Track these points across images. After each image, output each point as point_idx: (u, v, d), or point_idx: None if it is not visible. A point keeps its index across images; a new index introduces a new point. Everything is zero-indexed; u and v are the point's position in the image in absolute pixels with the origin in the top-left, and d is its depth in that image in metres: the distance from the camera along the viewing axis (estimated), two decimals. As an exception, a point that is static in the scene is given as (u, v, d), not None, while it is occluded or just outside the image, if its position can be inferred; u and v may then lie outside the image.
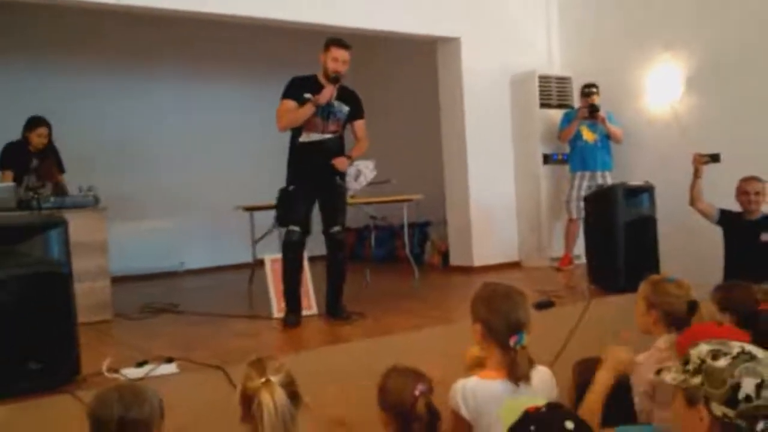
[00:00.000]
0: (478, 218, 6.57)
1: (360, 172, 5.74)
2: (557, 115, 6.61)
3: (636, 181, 5.27)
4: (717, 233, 4.99)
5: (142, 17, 6.27)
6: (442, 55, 6.74)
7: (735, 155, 5.32)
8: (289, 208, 4.35)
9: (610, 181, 6.15)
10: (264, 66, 7.90)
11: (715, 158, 5.09)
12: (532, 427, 1.57)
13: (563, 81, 6.79)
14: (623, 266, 4.85)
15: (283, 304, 4.53)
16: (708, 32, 5.85)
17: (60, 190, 5.45)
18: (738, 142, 5.49)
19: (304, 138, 4.36)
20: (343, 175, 4.55)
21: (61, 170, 5.69)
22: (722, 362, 1.49)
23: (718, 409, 1.45)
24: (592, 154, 6.29)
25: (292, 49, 7.23)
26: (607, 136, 6.32)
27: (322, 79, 4.36)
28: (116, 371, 3.11)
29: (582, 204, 5.94)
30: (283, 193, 4.40)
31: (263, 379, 1.81)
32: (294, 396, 1.83)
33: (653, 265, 4.86)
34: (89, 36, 7.09)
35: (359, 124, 4.57)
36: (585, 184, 6.25)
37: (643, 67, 6.36)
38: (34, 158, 5.52)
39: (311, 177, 4.37)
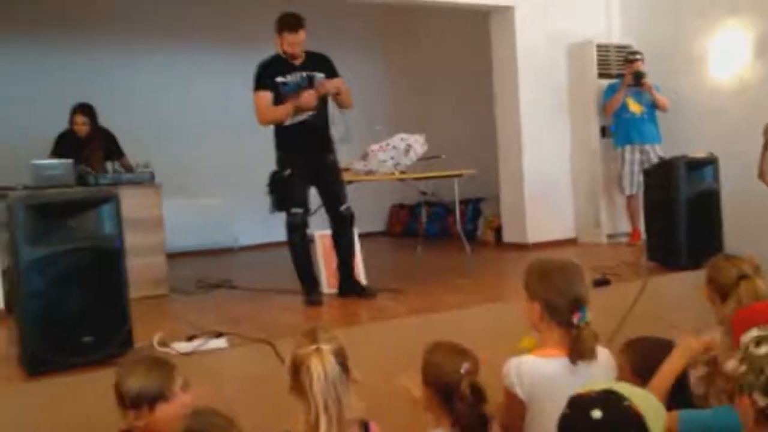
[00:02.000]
0: (533, 193, 6.41)
1: (410, 147, 5.68)
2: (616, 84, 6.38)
3: (697, 154, 5.02)
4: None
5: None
6: (495, 26, 6.55)
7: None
8: (287, 192, 4.29)
9: (660, 153, 5.91)
10: (320, 39, 7.86)
11: None
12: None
13: (623, 49, 6.51)
14: (685, 243, 4.66)
15: (333, 280, 4.53)
16: None
17: (126, 169, 5.51)
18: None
19: (289, 120, 4.28)
20: (333, 150, 4.47)
21: (119, 153, 5.72)
22: (764, 349, 1.37)
23: (762, 400, 1.34)
24: (639, 127, 6.06)
25: (345, 21, 7.17)
26: (654, 107, 6.07)
27: (289, 58, 4.27)
28: (167, 345, 3.16)
29: (637, 178, 5.74)
30: (278, 178, 4.31)
31: (314, 347, 1.80)
32: (344, 367, 1.82)
33: (716, 241, 4.65)
34: (137, 14, 7.16)
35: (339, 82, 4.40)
36: (637, 157, 6.04)
37: (707, 34, 6.05)
38: (84, 145, 5.54)
39: (305, 158, 4.31)
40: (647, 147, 6.04)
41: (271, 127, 4.39)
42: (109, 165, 5.57)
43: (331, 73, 4.37)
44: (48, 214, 2.98)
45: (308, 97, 4.17)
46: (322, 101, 4.32)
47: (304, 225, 4.34)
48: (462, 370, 1.96)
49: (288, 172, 4.28)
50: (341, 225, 4.43)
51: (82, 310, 2.97)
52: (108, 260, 3.09)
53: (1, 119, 6.35)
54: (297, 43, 4.22)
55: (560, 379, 2.00)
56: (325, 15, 7.36)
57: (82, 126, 5.57)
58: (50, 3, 6.72)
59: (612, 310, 3.86)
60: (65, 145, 5.51)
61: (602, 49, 6.47)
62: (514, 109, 6.43)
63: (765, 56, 5.70)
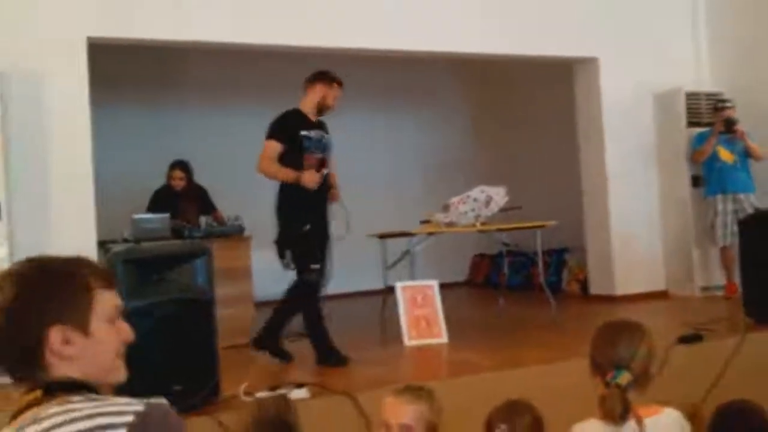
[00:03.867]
0: (620, 244, 6.26)
1: (491, 199, 5.69)
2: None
3: None
4: None
5: (276, 54, 6.56)
6: (579, 77, 6.54)
7: None
8: (309, 248, 4.17)
9: (755, 203, 5.71)
10: (387, 94, 8.06)
11: None
12: None
13: (712, 97, 6.34)
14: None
15: (414, 332, 4.55)
16: None
17: (219, 222, 5.73)
18: None
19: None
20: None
21: (211, 207, 5.97)
22: None
23: None
24: (732, 176, 5.88)
25: (409, 75, 7.30)
26: (746, 155, 5.87)
27: (310, 114, 4.30)
28: (251, 395, 3.25)
29: (731, 229, 5.51)
30: (300, 233, 4.17)
31: None
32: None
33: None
34: (229, 76, 7.54)
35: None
36: (730, 207, 5.83)
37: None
38: (179, 200, 5.83)
39: (323, 216, 4.29)
40: (741, 196, 5.82)
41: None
42: (202, 218, 5.84)
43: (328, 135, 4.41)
44: (144, 268, 3.17)
45: (310, 178, 4.12)
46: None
47: (320, 284, 4.26)
48: (497, 430, 1.97)
49: (308, 227, 4.18)
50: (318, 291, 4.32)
51: (173, 360, 3.09)
52: (199, 311, 3.24)
53: (105, 175, 6.79)
54: (339, 98, 4.33)
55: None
56: (406, 69, 7.57)
57: (179, 181, 5.89)
58: (151, 67, 7.21)
59: (704, 368, 3.70)
60: (162, 199, 5.83)
61: (692, 97, 6.33)
62: (599, 159, 6.35)
63: None
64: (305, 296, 4.21)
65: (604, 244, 6.33)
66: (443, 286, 4.75)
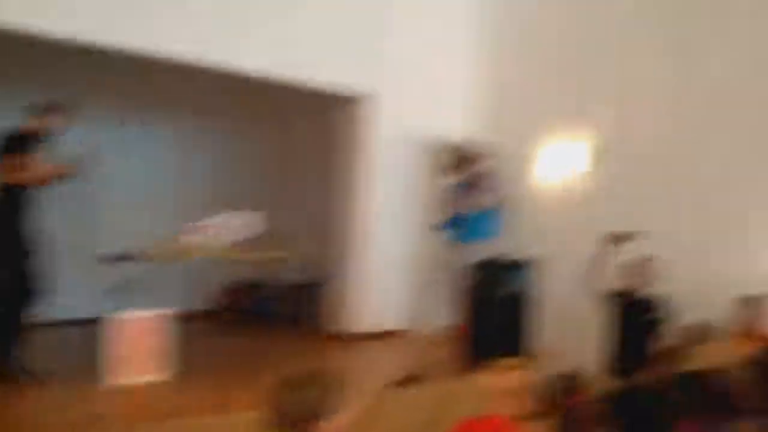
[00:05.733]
0: (361, 282, 6.38)
1: (245, 225, 5.51)
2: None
3: (529, 254, 5.23)
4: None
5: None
6: (353, 112, 6.59)
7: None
8: None
9: (492, 251, 5.90)
10: (143, 101, 7.56)
11: (628, 237, 5.03)
12: None
13: (472, 148, 6.76)
14: (494, 339, 4.78)
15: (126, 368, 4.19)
16: (620, 110, 5.97)
17: None
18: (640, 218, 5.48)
19: None
20: None
21: None
22: None
23: None
24: (473, 223, 6.11)
25: (171, 86, 6.95)
26: (488, 205, 6.17)
27: None
28: None
29: (464, 273, 5.83)
30: None
31: None
32: None
33: (514, 341, 4.85)
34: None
35: None
36: (466, 254, 5.99)
37: (547, 140, 6.47)
38: None
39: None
40: (480, 244, 6.01)
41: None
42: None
43: None
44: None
45: None
46: None
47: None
48: None
49: None
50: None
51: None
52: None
53: None
54: None
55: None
56: (168, 78, 7.01)
57: None
58: None
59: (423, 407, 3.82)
60: None
61: (454, 146, 6.58)
62: (363, 195, 6.46)
63: (599, 165, 6.12)
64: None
65: (357, 280, 6.41)
66: (182, 316, 4.42)
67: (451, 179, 6.40)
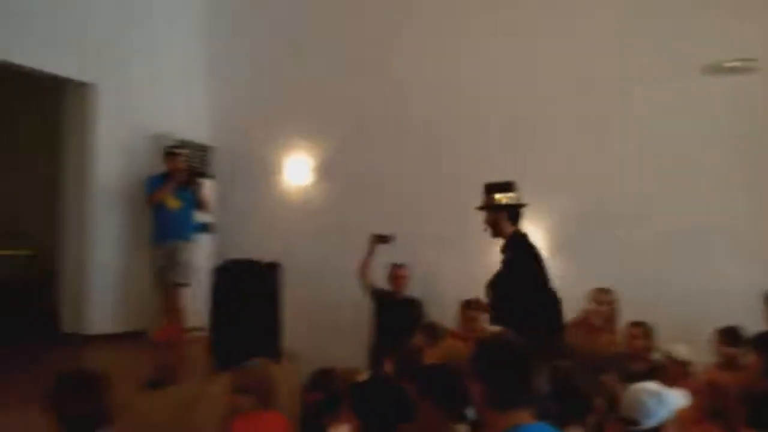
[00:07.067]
0: (102, 280, 5.96)
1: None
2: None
3: (262, 258, 5.30)
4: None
5: None
6: (73, 101, 6.10)
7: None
8: None
9: (195, 252, 5.88)
10: None
11: (384, 239, 5.35)
12: None
13: (204, 149, 6.71)
14: (244, 341, 4.79)
15: None
16: (334, 128, 6.39)
17: None
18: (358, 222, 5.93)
19: None
20: None
21: None
22: None
23: None
24: (175, 222, 5.77)
25: None
26: (194, 205, 5.91)
27: None
28: None
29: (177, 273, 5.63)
30: None
31: None
32: None
33: (271, 342, 4.95)
34: None
35: None
36: (171, 254, 5.69)
37: (283, 149, 6.68)
38: None
39: None
40: (181, 244, 5.75)
41: None
42: None
43: None
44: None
45: None
46: None
47: None
48: None
49: None
50: None
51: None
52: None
53: None
54: None
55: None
56: None
57: None
58: None
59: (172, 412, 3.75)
60: None
61: (179, 143, 6.33)
62: (82, 192, 6.01)
63: (326, 178, 6.53)
64: None
65: (83, 278, 5.94)
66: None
67: (151, 176, 5.94)
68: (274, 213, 6.65)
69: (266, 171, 6.74)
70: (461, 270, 5.51)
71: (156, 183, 5.79)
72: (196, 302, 5.94)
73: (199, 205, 5.94)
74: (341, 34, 6.56)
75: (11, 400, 3.67)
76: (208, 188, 6.11)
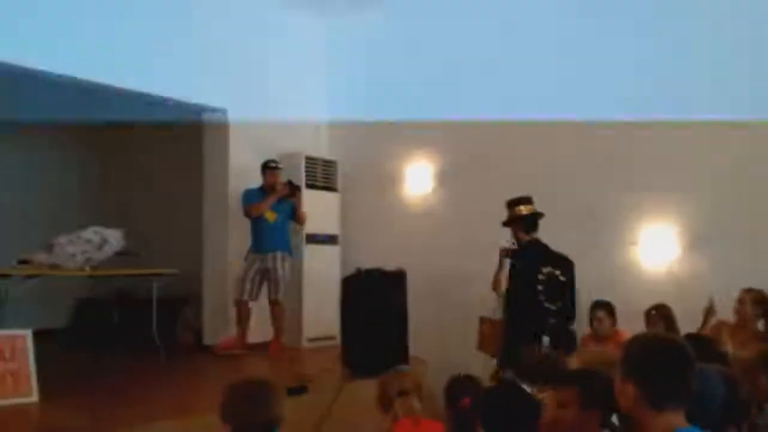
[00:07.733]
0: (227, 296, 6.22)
1: (105, 241, 5.24)
2: (321, 195, 6.70)
3: (387, 267, 5.30)
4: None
5: None
6: (208, 131, 6.52)
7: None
8: None
9: (286, 263, 6.01)
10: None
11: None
12: None
13: (329, 164, 6.93)
14: (375, 349, 4.86)
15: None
16: (451, 137, 6.37)
17: None
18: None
19: None
20: None
21: None
22: None
23: None
24: (272, 235, 6.00)
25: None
26: (291, 218, 6.15)
27: None
28: None
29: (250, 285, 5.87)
30: None
31: None
32: None
33: (402, 349, 5.01)
34: None
35: None
36: (257, 266, 5.96)
37: (402, 159, 6.75)
38: None
39: None
40: (274, 255, 5.96)
41: None
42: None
43: None
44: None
45: None
46: None
47: None
48: None
49: None
50: None
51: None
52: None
53: None
54: None
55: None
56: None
57: None
58: None
59: (312, 417, 3.87)
60: None
61: (310, 161, 6.75)
62: (222, 213, 6.38)
63: (447, 184, 6.51)
64: None
65: (221, 295, 6.28)
66: (39, 334, 4.13)
67: (249, 189, 6.15)
68: (397, 222, 6.71)
69: (388, 181, 6.82)
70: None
71: (252, 196, 6.04)
72: (326, 311, 6.19)
73: (296, 218, 6.16)
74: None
75: (181, 407, 3.99)
76: (305, 201, 6.25)
